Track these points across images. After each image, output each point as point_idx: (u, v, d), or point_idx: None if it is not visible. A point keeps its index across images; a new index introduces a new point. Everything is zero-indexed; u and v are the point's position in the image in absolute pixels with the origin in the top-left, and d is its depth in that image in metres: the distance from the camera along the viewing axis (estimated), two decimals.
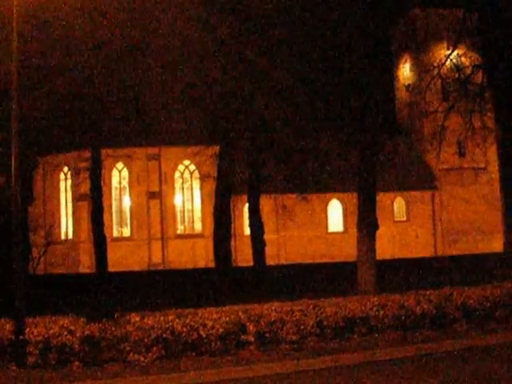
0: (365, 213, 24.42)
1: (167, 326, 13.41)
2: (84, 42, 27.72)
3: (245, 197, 35.36)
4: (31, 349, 12.41)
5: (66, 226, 47.79)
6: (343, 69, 24.13)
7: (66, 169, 47.32)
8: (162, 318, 14.15)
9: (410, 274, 31.15)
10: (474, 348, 14.25)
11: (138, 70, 29.32)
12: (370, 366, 12.85)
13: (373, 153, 24.53)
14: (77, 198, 45.51)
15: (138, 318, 14.27)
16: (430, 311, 15.91)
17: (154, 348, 12.89)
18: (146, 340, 12.92)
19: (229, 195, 31.41)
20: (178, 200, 47.81)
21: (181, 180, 48.07)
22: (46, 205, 47.43)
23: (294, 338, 14.00)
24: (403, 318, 15.54)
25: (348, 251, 36.43)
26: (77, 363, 12.35)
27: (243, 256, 39.87)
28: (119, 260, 41.26)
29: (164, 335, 13.10)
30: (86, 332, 12.89)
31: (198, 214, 47.93)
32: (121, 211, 47.35)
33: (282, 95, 25.36)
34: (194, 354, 13.15)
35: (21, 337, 12.49)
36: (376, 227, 24.64)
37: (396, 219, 50.56)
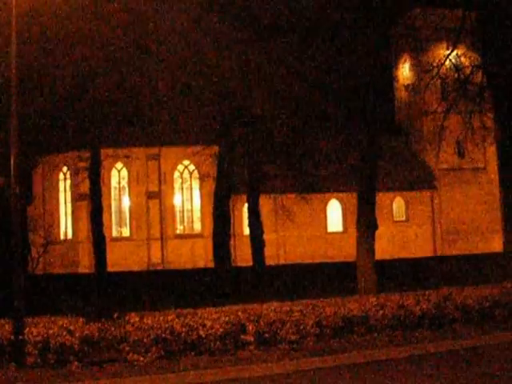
0: (364, 213, 24.46)
1: (166, 325, 13.40)
2: (84, 42, 27.69)
3: (244, 197, 35.39)
4: (30, 349, 12.40)
5: (66, 226, 47.70)
6: (343, 69, 24.15)
7: (65, 169, 47.23)
8: (161, 318, 14.16)
9: (409, 273, 31.16)
10: (474, 348, 14.25)
11: (138, 70, 29.29)
12: (369, 365, 12.85)
13: (372, 153, 24.56)
14: (76, 198, 45.45)
15: (137, 318, 14.26)
16: (429, 311, 15.93)
17: (154, 348, 12.88)
18: (145, 340, 12.92)
19: (228, 195, 31.42)
20: (177, 200, 47.76)
21: (180, 180, 48.02)
22: (46, 205, 47.36)
23: (293, 337, 14.00)
24: (402, 317, 15.56)
25: (347, 251, 36.43)
26: (76, 363, 12.34)
27: (243, 256, 39.87)
28: (118, 260, 41.19)
29: (163, 335, 13.10)
30: (86, 332, 12.90)
31: (197, 214, 47.87)
32: (120, 211, 47.28)
33: (282, 95, 25.37)
34: (193, 353, 13.15)
35: (20, 337, 12.47)
36: (375, 227, 24.68)
37: (395, 219, 50.50)
